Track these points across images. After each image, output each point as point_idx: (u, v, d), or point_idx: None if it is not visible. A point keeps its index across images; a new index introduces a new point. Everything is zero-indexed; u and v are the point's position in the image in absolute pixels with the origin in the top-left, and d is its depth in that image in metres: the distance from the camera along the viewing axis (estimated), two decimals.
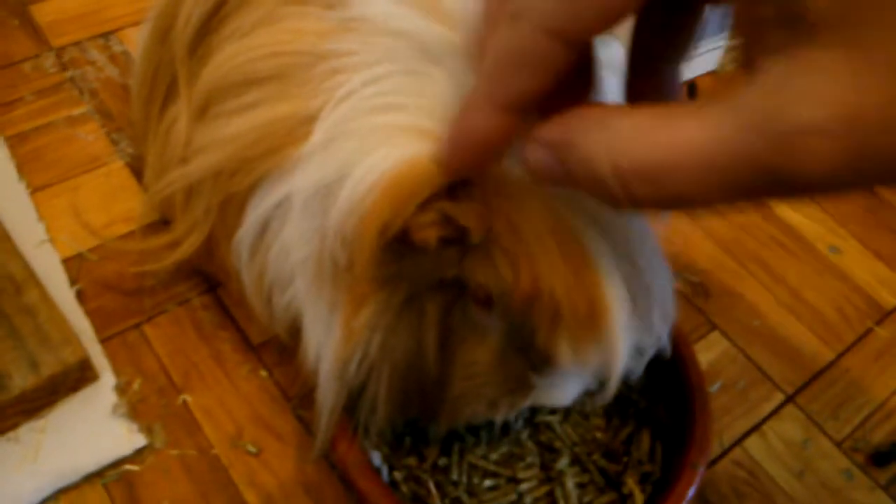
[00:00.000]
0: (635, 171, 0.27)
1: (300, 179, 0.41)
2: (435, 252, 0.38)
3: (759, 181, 0.26)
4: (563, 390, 0.44)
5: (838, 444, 0.65)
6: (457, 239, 0.38)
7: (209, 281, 0.66)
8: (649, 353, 0.45)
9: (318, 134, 0.40)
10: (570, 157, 0.30)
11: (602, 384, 0.43)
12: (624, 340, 0.40)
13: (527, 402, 0.45)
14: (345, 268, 0.40)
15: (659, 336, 0.44)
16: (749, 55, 0.26)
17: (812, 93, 0.24)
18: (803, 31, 0.24)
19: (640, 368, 0.45)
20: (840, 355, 0.71)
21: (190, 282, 0.66)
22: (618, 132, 0.28)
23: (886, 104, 0.23)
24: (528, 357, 0.42)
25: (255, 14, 0.46)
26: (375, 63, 0.40)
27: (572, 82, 0.32)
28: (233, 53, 0.46)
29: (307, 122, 0.41)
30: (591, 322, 0.38)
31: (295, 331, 0.46)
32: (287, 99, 0.42)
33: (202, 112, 0.49)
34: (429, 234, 0.37)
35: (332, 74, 0.41)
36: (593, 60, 0.34)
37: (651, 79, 0.35)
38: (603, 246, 0.38)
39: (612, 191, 0.28)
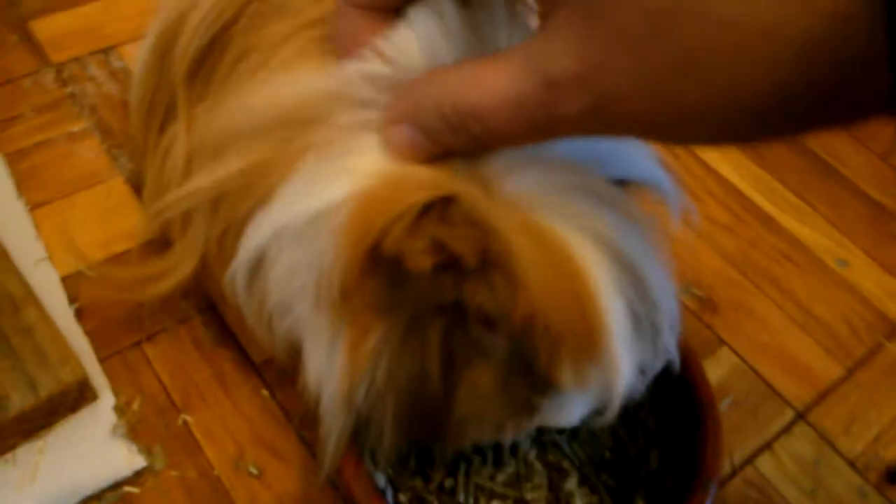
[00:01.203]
0: (468, 111, 0.33)
1: (295, 206, 0.40)
2: (432, 278, 0.37)
3: (542, 118, 0.32)
4: (569, 411, 0.44)
5: (851, 462, 0.64)
6: (452, 264, 0.37)
7: (209, 298, 0.65)
8: (656, 369, 0.44)
9: (310, 158, 0.40)
10: (422, 117, 0.35)
11: (606, 399, 0.42)
12: (625, 361, 0.39)
13: (533, 424, 0.44)
14: (340, 294, 0.39)
15: (667, 350, 0.43)
16: (542, 14, 0.32)
17: (568, 48, 0.30)
18: (566, 0, 0.30)
19: (644, 386, 0.44)
20: (850, 370, 0.70)
21: (190, 299, 0.65)
22: (453, 82, 0.34)
23: (606, 57, 0.29)
24: (532, 379, 0.42)
25: (261, 44, 0.46)
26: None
27: None
28: (237, 106, 0.46)
29: (304, 150, 0.41)
30: (591, 344, 0.38)
31: (296, 354, 0.45)
32: (289, 139, 0.42)
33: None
34: (422, 262, 0.36)
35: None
36: None
37: None
38: (603, 261, 0.37)
39: (461, 134, 0.34)
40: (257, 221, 0.42)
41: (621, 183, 0.41)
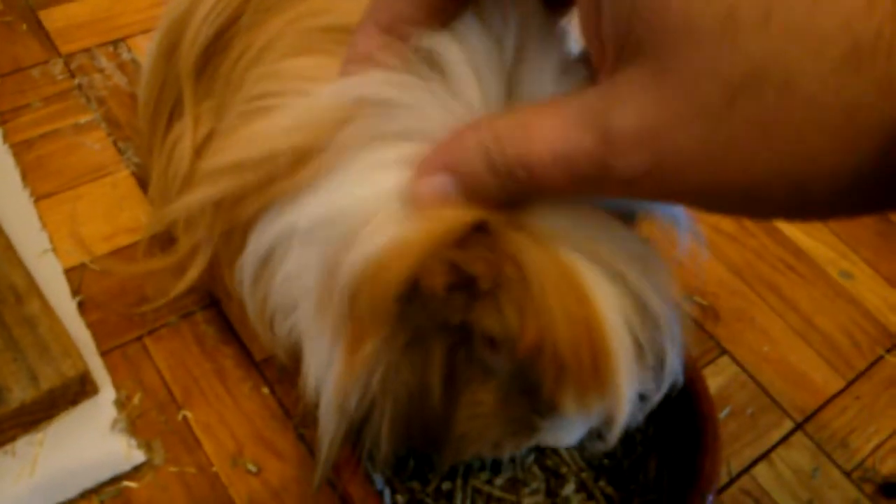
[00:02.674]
0: (517, 160, 0.32)
1: (305, 209, 0.40)
2: (444, 297, 0.37)
3: (593, 175, 0.30)
4: (568, 433, 0.44)
5: (847, 474, 0.64)
6: (465, 285, 0.37)
7: (213, 295, 0.65)
8: (658, 398, 0.44)
9: (322, 163, 0.39)
10: (465, 160, 0.34)
11: (607, 428, 0.42)
12: (628, 394, 0.39)
13: (531, 443, 0.45)
14: (354, 312, 0.39)
15: (670, 377, 0.43)
16: (596, 63, 0.31)
17: (629, 103, 0.28)
18: (630, 51, 0.28)
19: (643, 414, 0.44)
20: (850, 382, 0.70)
21: (193, 295, 0.65)
22: (502, 126, 0.32)
23: (675, 119, 0.27)
24: (533, 400, 0.42)
25: (262, 37, 0.46)
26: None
27: None
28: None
29: (311, 152, 0.40)
30: (596, 376, 0.38)
31: (296, 355, 0.46)
32: (290, 131, 0.41)
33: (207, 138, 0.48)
34: (437, 282, 0.36)
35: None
36: None
37: None
38: (613, 294, 0.37)
39: (505, 180, 0.33)
40: (271, 217, 0.42)
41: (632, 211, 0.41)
